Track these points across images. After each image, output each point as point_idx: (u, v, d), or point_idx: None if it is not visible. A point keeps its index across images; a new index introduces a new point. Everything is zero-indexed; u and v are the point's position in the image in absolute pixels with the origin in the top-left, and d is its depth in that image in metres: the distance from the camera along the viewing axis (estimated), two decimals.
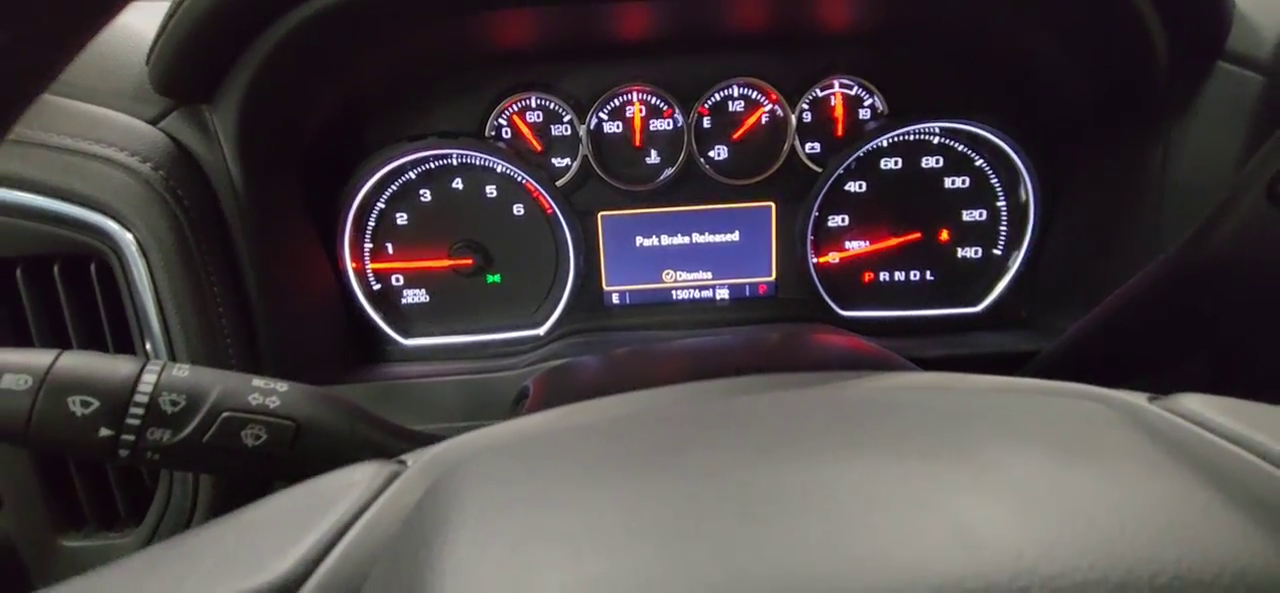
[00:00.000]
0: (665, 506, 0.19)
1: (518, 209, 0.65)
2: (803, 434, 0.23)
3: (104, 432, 0.30)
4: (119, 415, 0.30)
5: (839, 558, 0.17)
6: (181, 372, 0.32)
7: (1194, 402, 0.26)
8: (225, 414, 0.32)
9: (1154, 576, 0.17)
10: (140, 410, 0.30)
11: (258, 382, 0.33)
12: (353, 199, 0.63)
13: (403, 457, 0.26)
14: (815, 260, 0.67)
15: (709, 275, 0.68)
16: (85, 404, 0.30)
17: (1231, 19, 0.48)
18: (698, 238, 0.67)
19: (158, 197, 0.46)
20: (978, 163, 0.65)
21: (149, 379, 0.31)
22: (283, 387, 0.34)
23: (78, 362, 0.31)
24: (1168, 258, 0.40)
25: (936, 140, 0.65)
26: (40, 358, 0.30)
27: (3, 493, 0.49)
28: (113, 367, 0.31)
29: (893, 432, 0.23)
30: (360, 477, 0.24)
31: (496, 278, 0.67)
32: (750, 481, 0.20)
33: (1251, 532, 0.18)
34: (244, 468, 0.33)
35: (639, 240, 0.67)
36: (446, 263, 0.66)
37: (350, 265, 0.64)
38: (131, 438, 0.30)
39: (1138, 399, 0.26)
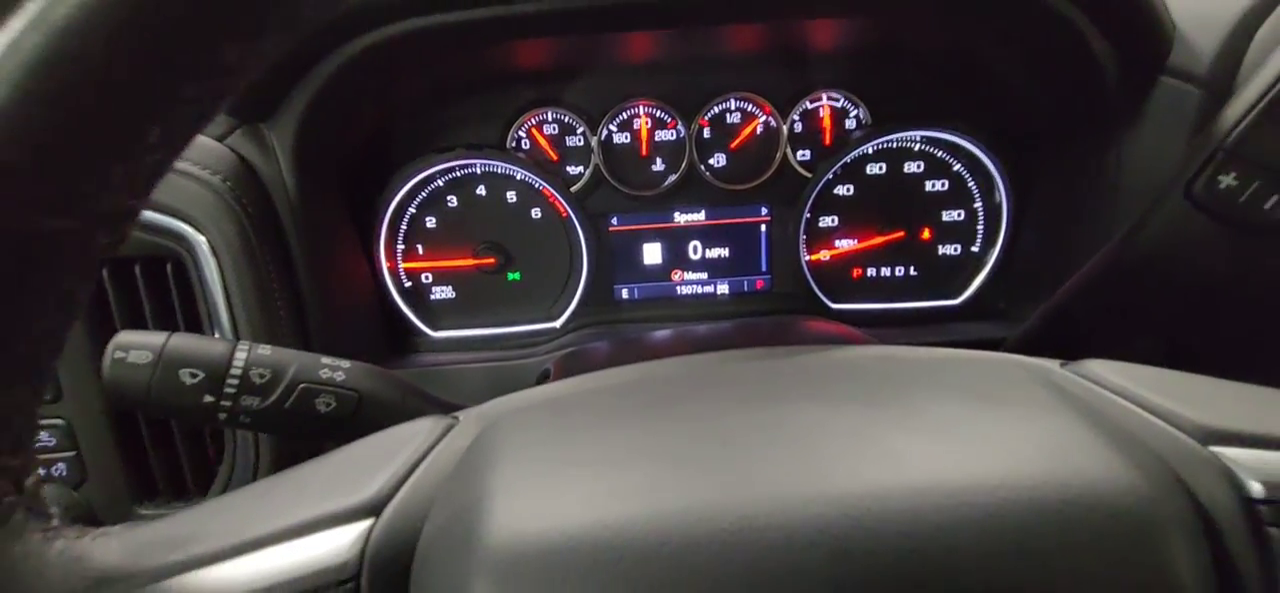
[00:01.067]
0: (663, 438, 0.25)
1: (536, 213, 0.72)
2: (774, 389, 0.29)
3: (207, 398, 0.37)
4: (219, 385, 0.37)
5: (796, 472, 0.22)
6: (265, 351, 0.39)
7: (1096, 366, 0.31)
8: (302, 386, 0.38)
9: (1033, 485, 0.22)
10: (236, 382, 0.37)
11: (326, 360, 0.40)
12: (388, 205, 0.69)
13: (454, 414, 0.33)
14: (808, 258, 0.74)
15: (710, 274, 0.74)
16: (192, 376, 0.37)
17: (1172, 39, 0.54)
18: (700, 240, 0.73)
19: (226, 205, 0.53)
20: (955, 168, 0.71)
21: (241, 356, 0.38)
22: (346, 364, 0.41)
23: (185, 341, 0.37)
24: (1107, 252, 0.46)
25: (917, 147, 0.71)
26: (156, 338, 0.37)
27: (88, 467, 0.56)
28: (212, 346, 0.38)
29: (845, 386, 0.29)
30: (422, 427, 0.31)
31: (516, 275, 0.73)
32: (731, 420, 0.26)
33: (1113, 457, 0.23)
34: (316, 432, 0.39)
35: (646, 243, 0.73)
36: (471, 262, 0.72)
37: (385, 265, 0.71)
38: (228, 404, 0.37)
39: (1051, 365, 0.32)
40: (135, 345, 0.36)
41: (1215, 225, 0.41)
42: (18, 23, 0.18)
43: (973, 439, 0.24)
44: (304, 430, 0.39)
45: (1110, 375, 0.29)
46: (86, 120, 0.19)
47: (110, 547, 0.24)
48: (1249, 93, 0.42)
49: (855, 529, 0.21)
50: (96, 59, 0.18)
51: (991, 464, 0.22)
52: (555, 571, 0.20)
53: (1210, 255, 0.42)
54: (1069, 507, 0.21)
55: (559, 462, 0.25)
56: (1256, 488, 0.22)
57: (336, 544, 0.23)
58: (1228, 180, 0.41)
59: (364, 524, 0.24)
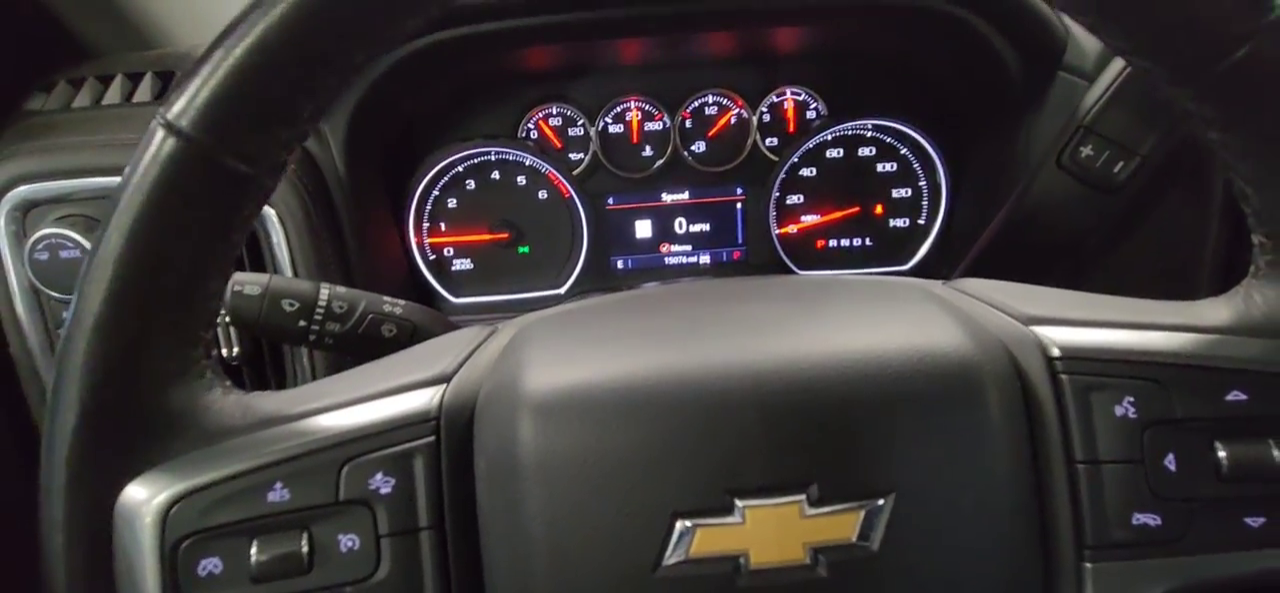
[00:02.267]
0: (649, 325, 0.35)
1: (543, 194, 0.83)
2: (731, 296, 0.38)
3: (302, 323, 0.48)
4: (310, 313, 0.48)
5: (737, 342, 0.31)
6: (342, 290, 0.50)
7: (969, 282, 0.38)
8: (372, 316, 0.50)
9: (894, 348, 0.30)
10: (322, 311, 0.48)
11: (387, 299, 0.52)
12: (417, 187, 0.80)
13: (495, 325, 0.44)
14: (778, 231, 0.85)
15: (693, 246, 0.86)
16: (290, 305, 0.48)
17: (1065, 40, 0.65)
18: (684, 217, 0.85)
19: (291, 184, 0.64)
20: (902, 151, 0.83)
21: (325, 292, 0.49)
22: (403, 303, 0.52)
23: (284, 280, 0.49)
24: (1001, 215, 0.58)
25: (869, 134, 0.82)
26: (263, 276, 0.48)
27: None
28: (304, 285, 0.49)
29: (780, 293, 0.38)
30: (471, 331, 0.39)
31: (526, 249, 0.84)
32: (695, 312, 0.37)
33: (958, 333, 0.31)
34: (382, 354, 0.51)
35: (638, 220, 0.85)
36: (487, 237, 0.83)
37: (413, 239, 0.82)
38: (318, 328, 0.48)
39: (935, 283, 0.38)
40: (248, 281, 0.48)
41: (1080, 188, 0.52)
42: (231, 41, 0.29)
43: (860, 320, 0.34)
44: (373, 352, 0.51)
45: (974, 287, 0.38)
46: (274, 103, 0.30)
47: (268, 400, 0.34)
48: (1103, 80, 0.54)
49: (771, 371, 0.30)
50: (281, 66, 0.30)
51: (869, 333, 0.31)
52: (574, 407, 0.29)
53: (1077, 212, 0.53)
54: (919, 363, 0.30)
55: (575, 341, 0.33)
56: (1055, 350, 0.31)
57: (422, 399, 0.31)
58: (1087, 150, 0.52)
59: (440, 387, 0.32)
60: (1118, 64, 0.52)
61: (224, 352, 0.67)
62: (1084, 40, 0.65)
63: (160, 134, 0.29)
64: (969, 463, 0.29)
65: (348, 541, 0.30)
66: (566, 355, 0.32)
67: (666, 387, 0.30)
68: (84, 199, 0.61)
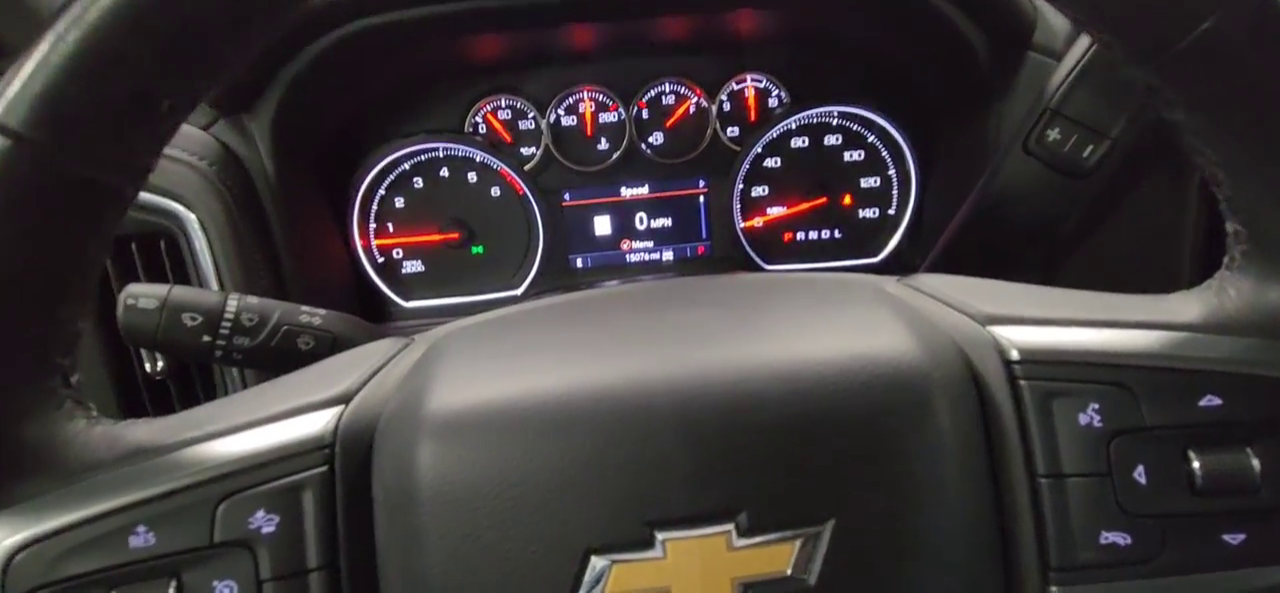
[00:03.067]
0: (569, 337, 0.32)
1: (495, 191, 0.79)
2: (662, 301, 0.36)
3: (205, 338, 0.44)
4: (215, 327, 0.44)
5: (661, 353, 0.29)
6: (253, 300, 0.46)
7: (924, 278, 0.36)
8: (285, 327, 0.46)
9: (839, 356, 0.28)
10: (229, 324, 0.44)
11: (305, 308, 0.47)
12: (359, 187, 0.76)
13: (411, 337, 0.40)
14: (742, 225, 0.82)
15: (655, 242, 0.82)
16: (192, 319, 0.44)
17: (1034, 21, 0.62)
18: (645, 212, 0.81)
19: (213, 186, 0.60)
20: (870, 139, 0.80)
21: (232, 304, 0.45)
22: (322, 312, 0.48)
23: (185, 291, 0.44)
24: (969, 202, 0.55)
25: (835, 122, 0.79)
26: (160, 289, 0.44)
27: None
28: (208, 295, 0.45)
29: (721, 297, 0.35)
30: (384, 344, 0.37)
31: (480, 249, 0.81)
32: (624, 322, 0.34)
33: (908, 337, 0.28)
34: (300, 368, 0.47)
35: (597, 216, 0.81)
36: (437, 237, 0.79)
37: (359, 242, 0.78)
38: (224, 342, 0.44)
39: (889, 279, 0.37)
40: (144, 294, 0.43)
41: (1047, 172, 0.50)
42: (62, 25, 0.25)
43: (798, 326, 0.31)
44: (288, 367, 0.46)
45: (929, 284, 0.35)
46: (119, 98, 0.26)
47: (139, 429, 0.31)
48: (1069, 61, 0.51)
49: (694, 387, 0.27)
50: (125, 52, 0.26)
51: (805, 341, 0.29)
52: (476, 428, 0.27)
53: (1046, 198, 0.50)
54: (860, 373, 0.27)
55: (486, 357, 0.31)
56: (1014, 353, 0.29)
57: (316, 423, 0.29)
58: (1054, 134, 0.49)
59: (337, 409, 0.29)
60: (1085, 41, 0.49)
61: (148, 367, 0.62)
62: (1054, 18, 0.62)
63: None
64: (918, 482, 0.27)
65: (224, 588, 0.27)
66: (475, 371, 0.30)
67: (579, 405, 0.27)
68: None
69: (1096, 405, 0.28)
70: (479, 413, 0.27)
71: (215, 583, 0.26)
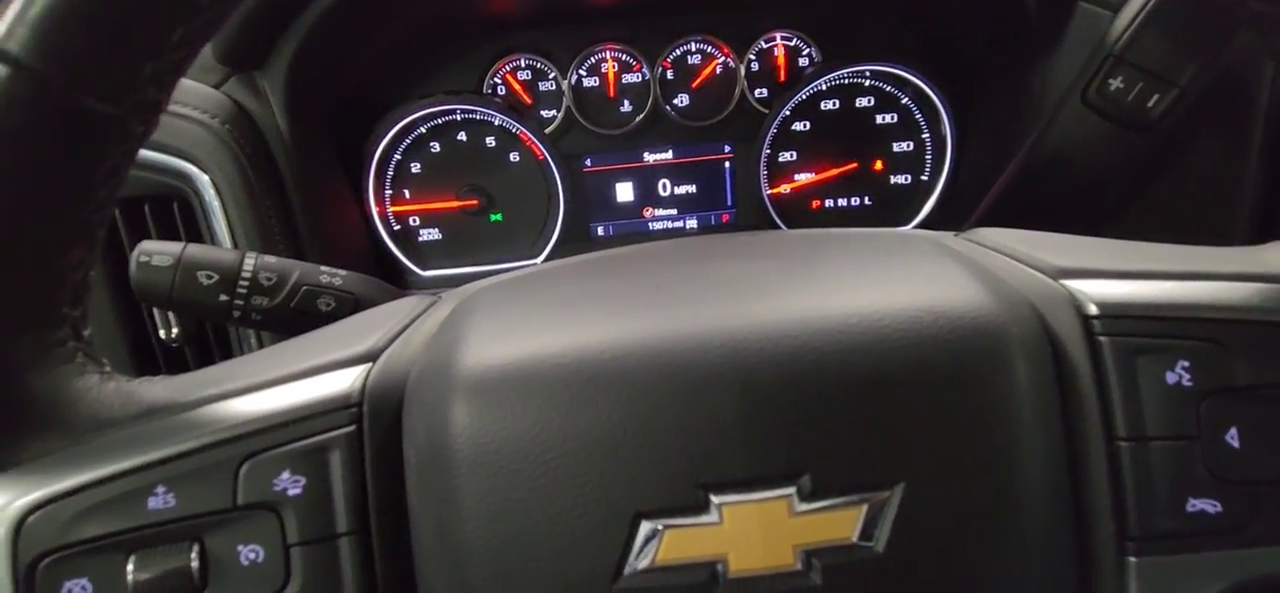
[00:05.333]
0: (605, 292, 0.30)
1: (514, 156, 0.77)
2: (705, 255, 0.34)
3: (222, 297, 0.42)
4: (232, 286, 0.42)
5: (709, 308, 0.27)
6: (271, 259, 0.44)
7: (985, 232, 0.34)
8: (305, 288, 0.44)
9: (906, 310, 0.26)
10: (246, 283, 0.43)
11: (325, 268, 0.46)
12: (375, 151, 0.74)
13: (438, 294, 0.38)
14: (769, 192, 0.79)
15: (678, 209, 0.80)
16: (208, 278, 0.42)
17: None
18: (668, 178, 0.79)
19: (226, 146, 0.58)
20: (903, 101, 0.76)
21: (250, 262, 0.43)
22: (343, 272, 0.46)
23: (200, 249, 0.43)
24: (1020, 157, 0.52)
25: (867, 82, 0.76)
26: (175, 246, 0.42)
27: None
28: (225, 252, 0.43)
29: (770, 249, 0.34)
30: (411, 301, 0.36)
31: (499, 216, 0.79)
32: (664, 275, 0.32)
33: (978, 290, 0.27)
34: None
35: (619, 182, 0.79)
36: (455, 204, 0.78)
37: (375, 209, 0.76)
38: (242, 302, 0.43)
39: (948, 234, 0.37)
40: (157, 251, 0.42)
41: (1107, 125, 0.47)
42: None
43: (860, 278, 0.29)
44: (308, 329, 0.45)
45: (992, 238, 0.34)
46: (127, 25, 0.24)
47: (155, 387, 0.29)
48: (1133, 4, 0.48)
49: (752, 340, 0.25)
50: None
51: (870, 293, 0.27)
52: (516, 386, 0.25)
53: (1104, 153, 0.47)
54: (930, 328, 0.25)
55: (521, 313, 0.29)
56: (1092, 307, 0.27)
57: (343, 382, 0.28)
58: (1116, 83, 0.46)
59: (364, 367, 0.28)
60: None
61: (161, 333, 0.61)
62: None
63: None
64: (991, 446, 0.25)
65: (249, 552, 0.26)
66: (512, 326, 0.28)
67: (628, 361, 0.25)
68: None
69: (1186, 363, 0.26)
70: (518, 369, 0.26)
71: (240, 547, 0.25)
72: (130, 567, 0.25)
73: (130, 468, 0.25)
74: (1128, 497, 0.26)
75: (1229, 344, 0.26)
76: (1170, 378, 0.26)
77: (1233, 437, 0.25)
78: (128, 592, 0.24)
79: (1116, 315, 0.27)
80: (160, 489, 0.25)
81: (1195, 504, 0.25)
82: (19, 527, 0.25)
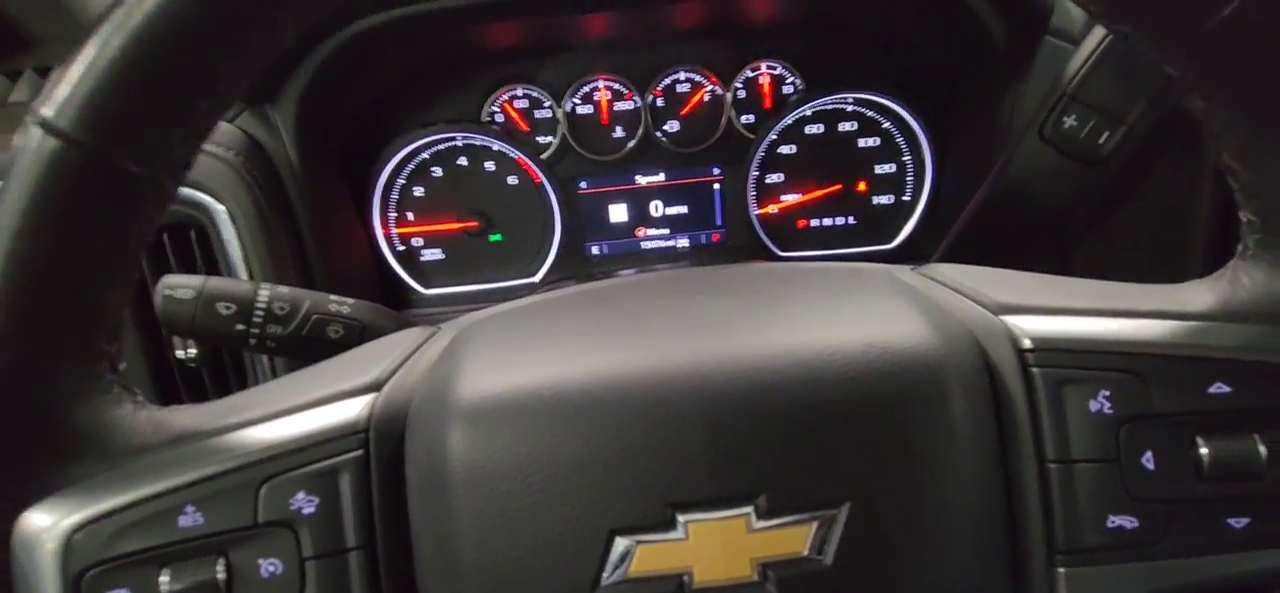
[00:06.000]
0: (593, 325, 0.33)
1: (512, 180, 0.80)
2: (682, 289, 0.37)
3: (239, 326, 0.46)
4: (248, 315, 0.46)
5: (683, 341, 0.30)
6: (284, 289, 0.48)
7: (939, 267, 0.37)
8: (316, 316, 0.47)
9: (854, 343, 0.28)
10: (262, 312, 0.46)
11: (334, 297, 0.49)
12: (380, 176, 0.78)
13: (437, 325, 0.41)
14: (757, 212, 0.82)
15: (670, 229, 0.83)
16: (226, 308, 0.45)
17: (1052, 3, 0.62)
18: (660, 199, 0.82)
19: (240, 177, 0.62)
20: (885, 125, 0.79)
21: (265, 293, 0.47)
22: (351, 301, 0.49)
23: (219, 282, 0.46)
24: (983, 189, 0.55)
25: (850, 108, 0.79)
26: (196, 279, 0.46)
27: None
28: (242, 285, 0.46)
29: (739, 285, 0.36)
30: (412, 333, 0.38)
31: (498, 237, 0.82)
32: (643, 309, 0.35)
33: (923, 325, 0.29)
34: (329, 356, 0.48)
35: (612, 204, 0.82)
36: (456, 226, 0.81)
37: (380, 230, 0.80)
38: (257, 331, 0.46)
39: (904, 268, 0.37)
40: (180, 284, 0.45)
41: (1062, 160, 0.50)
42: (106, 30, 0.26)
43: (816, 315, 0.31)
44: (318, 355, 0.48)
45: (944, 273, 0.36)
46: (161, 98, 0.27)
47: (183, 415, 0.32)
48: (1087, 46, 0.51)
49: (716, 374, 0.28)
50: (167, 56, 0.27)
51: (824, 329, 0.29)
52: (505, 413, 0.28)
53: (1061, 185, 0.50)
54: (877, 360, 0.28)
55: (512, 345, 0.32)
56: (1026, 342, 0.29)
57: (351, 410, 0.30)
58: (1070, 120, 0.49)
59: (370, 396, 0.30)
60: (1100, 28, 0.49)
61: (180, 354, 0.64)
62: (1071, 3, 0.62)
63: (37, 134, 0.26)
64: (931, 466, 0.28)
65: (269, 565, 0.28)
66: (502, 358, 0.31)
67: (604, 391, 0.28)
68: None
69: (1107, 393, 0.28)
70: (507, 399, 0.28)
71: (260, 561, 0.28)
72: (164, 579, 0.27)
73: (163, 490, 0.28)
74: (1056, 514, 0.28)
75: (1146, 376, 0.28)
76: (1093, 406, 0.28)
77: (1148, 459, 0.28)
78: None
79: (1048, 348, 0.29)
80: (189, 509, 0.28)
81: (1115, 521, 0.28)
82: (67, 544, 0.27)
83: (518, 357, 0.31)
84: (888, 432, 0.28)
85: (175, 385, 0.65)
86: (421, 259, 0.82)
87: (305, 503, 0.28)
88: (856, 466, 0.27)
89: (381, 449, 0.29)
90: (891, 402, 0.28)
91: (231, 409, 0.32)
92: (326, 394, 0.31)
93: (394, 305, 0.81)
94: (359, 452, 0.29)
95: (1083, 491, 0.28)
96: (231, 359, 0.66)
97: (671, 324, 0.32)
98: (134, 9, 0.26)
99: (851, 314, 0.31)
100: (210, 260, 0.63)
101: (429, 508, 0.28)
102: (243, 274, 0.62)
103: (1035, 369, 0.29)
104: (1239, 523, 0.28)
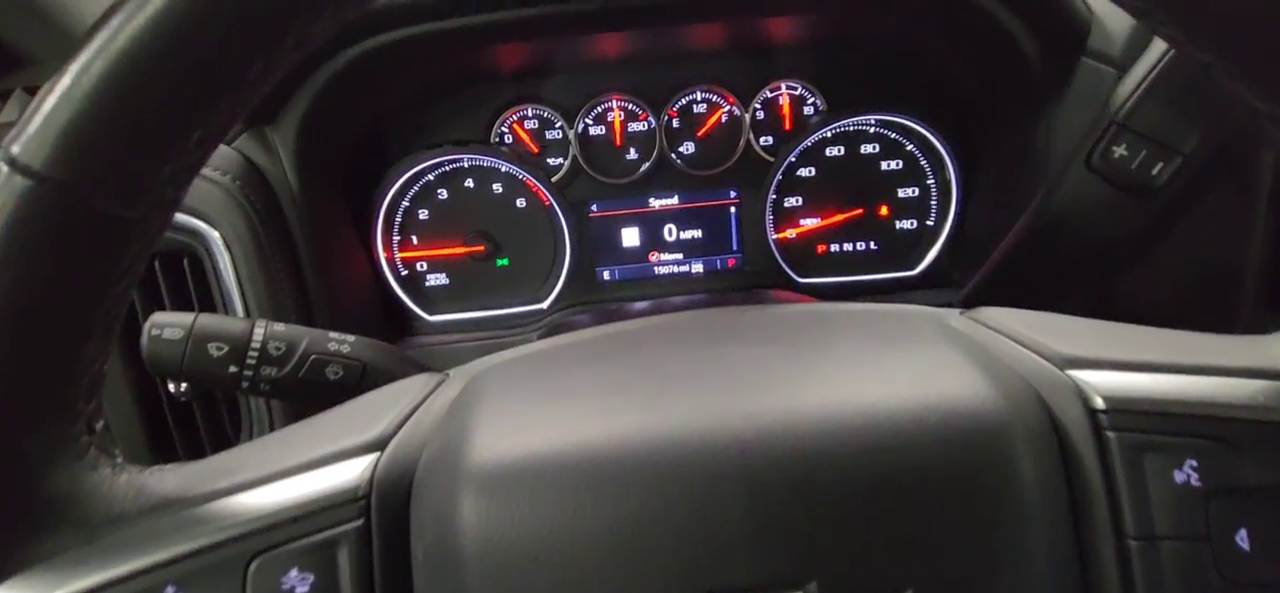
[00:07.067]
0: (616, 378, 0.30)
1: (521, 203, 0.77)
2: (712, 337, 0.34)
3: (232, 368, 0.42)
4: (241, 356, 0.43)
5: (717, 399, 0.27)
6: (280, 327, 0.44)
7: (988, 312, 0.34)
8: (313, 357, 0.44)
9: (909, 402, 0.26)
10: (256, 353, 0.43)
11: (333, 335, 0.46)
12: (383, 199, 0.75)
13: (445, 372, 0.38)
14: (775, 236, 0.79)
15: (685, 254, 0.80)
16: (218, 349, 0.42)
17: (1089, 24, 0.59)
18: (674, 223, 0.79)
19: (236, 202, 0.59)
20: (908, 148, 0.77)
21: (259, 332, 0.43)
22: (352, 338, 0.46)
23: (211, 320, 0.43)
24: (1025, 219, 0.52)
25: (872, 130, 0.76)
26: (186, 317, 0.43)
27: (117, 439, 0.62)
28: (234, 323, 0.43)
29: (772, 333, 0.34)
30: (418, 381, 0.36)
31: (505, 262, 0.79)
32: (673, 363, 0.32)
33: (981, 380, 0.27)
34: (326, 398, 0.45)
35: (624, 228, 0.79)
36: (462, 250, 0.78)
37: (382, 255, 0.77)
38: (251, 373, 0.43)
39: (951, 312, 0.37)
40: (169, 324, 0.42)
41: (1111, 191, 0.47)
42: (86, 56, 0.24)
43: (865, 369, 0.29)
44: (316, 397, 0.45)
45: (996, 318, 0.34)
46: (148, 132, 0.25)
47: (166, 478, 0.29)
48: (1137, 72, 0.48)
49: (759, 441, 0.25)
50: (153, 84, 0.24)
51: (876, 387, 0.27)
52: (523, 481, 0.25)
53: (1109, 217, 0.47)
54: (937, 426, 0.25)
55: (529, 400, 0.29)
56: (1099, 401, 0.27)
57: (350, 473, 0.27)
58: (1120, 150, 0.46)
59: (372, 456, 0.28)
60: (1154, 51, 0.46)
61: (171, 388, 0.61)
62: (1111, 23, 0.59)
63: (4, 172, 0.24)
64: (999, 547, 0.25)
65: None
66: (518, 415, 0.29)
67: (634, 460, 0.25)
68: None
69: (1194, 462, 0.26)
70: (525, 465, 0.26)
71: None
72: None
73: (141, 569, 0.25)
74: None
75: (1236, 443, 0.26)
76: (1178, 477, 0.26)
77: (1242, 538, 0.25)
78: None
79: (1124, 410, 0.27)
80: (170, 589, 0.25)
81: None
82: None
83: (536, 413, 0.28)
84: (951, 508, 0.25)
85: (165, 422, 0.62)
86: (426, 284, 0.79)
87: (299, 582, 0.26)
88: (918, 547, 0.24)
89: (384, 518, 0.27)
90: (955, 473, 0.25)
91: (219, 471, 0.29)
92: (324, 455, 0.29)
93: (397, 332, 0.79)
94: (359, 522, 0.27)
95: (1169, 573, 0.25)
96: (225, 396, 0.62)
97: (705, 379, 0.30)
98: (118, 31, 0.23)
99: (902, 367, 0.28)
100: (203, 289, 0.60)
101: (436, 585, 0.26)
102: (237, 304, 0.59)
103: (1110, 433, 0.26)
104: None
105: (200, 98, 0.25)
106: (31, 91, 0.62)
